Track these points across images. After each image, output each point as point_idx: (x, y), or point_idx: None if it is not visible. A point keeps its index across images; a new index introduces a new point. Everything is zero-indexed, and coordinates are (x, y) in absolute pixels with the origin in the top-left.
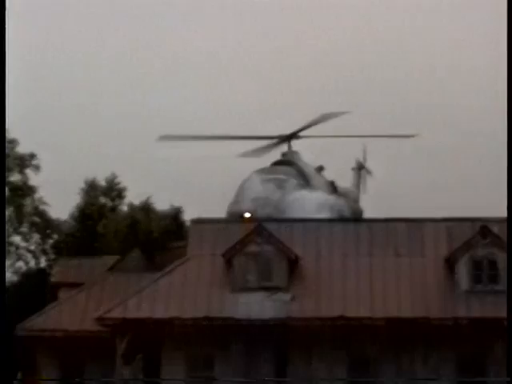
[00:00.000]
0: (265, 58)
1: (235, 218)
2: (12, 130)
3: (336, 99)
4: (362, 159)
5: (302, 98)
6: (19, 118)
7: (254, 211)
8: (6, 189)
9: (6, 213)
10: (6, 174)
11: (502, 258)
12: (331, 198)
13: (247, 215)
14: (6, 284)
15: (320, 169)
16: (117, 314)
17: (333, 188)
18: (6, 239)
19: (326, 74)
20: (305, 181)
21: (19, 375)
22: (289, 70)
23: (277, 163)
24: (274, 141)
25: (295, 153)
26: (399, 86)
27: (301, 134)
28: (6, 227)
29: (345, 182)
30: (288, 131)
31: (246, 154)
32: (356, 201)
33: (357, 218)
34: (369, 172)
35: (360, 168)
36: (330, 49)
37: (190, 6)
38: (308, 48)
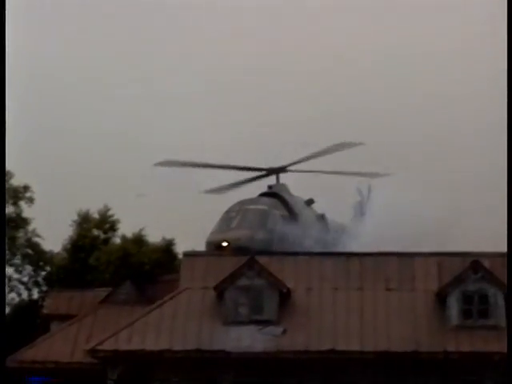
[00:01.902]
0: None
1: (212, 246)
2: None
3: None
4: (365, 196)
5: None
6: (14, 150)
7: (234, 239)
8: None
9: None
10: None
11: (492, 293)
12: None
13: (224, 244)
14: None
15: (310, 202)
16: (108, 346)
17: (323, 220)
18: None
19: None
20: (289, 212)
21: None
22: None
23: (263, 194)
24: (249, 177)
25: (282, 185)
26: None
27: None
28: None
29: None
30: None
31: (211, 191)
32: (356, 235)
33: (347, 252)
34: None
35: (362, 205)
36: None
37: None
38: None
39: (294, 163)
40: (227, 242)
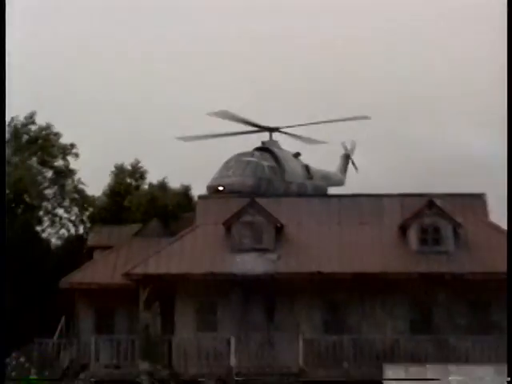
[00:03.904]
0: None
1: (212, 190)
2: (55, 123)
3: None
4: (349, 150)
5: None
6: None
7: (228, 184)
8: (51, 172)
9: (50, 191)
10: (51, 160)
11: (443, 226)
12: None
13: (220, 188)
14: (52, 247)
15: (297, 154)
16: (139, 270)
17: (306, 169)
18: (52, 212)
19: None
20: (277, 163)
21: (62, 320)
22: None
23: (256, 149)
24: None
25: (274, 142)
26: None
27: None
28: (52, 203)
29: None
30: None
31: (216, 136)
32: (340, 182)
33: (328, 194)
34: (354, 164)
35: (347, 157)
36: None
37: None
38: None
39: (288, 127)
40: (223, 186)
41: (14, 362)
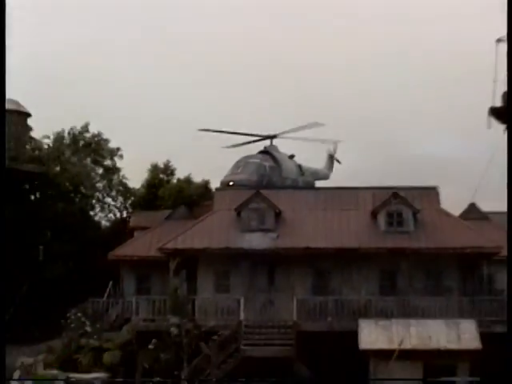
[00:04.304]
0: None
1: (224, 185)
2: (104, 131)
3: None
4: (333, 151)
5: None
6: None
7: (237, 180)
8: (102, 169)
9: (101, 184)
10: (102, 160)
11: (405, 212)
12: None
13: (231, 183)
14: (102, 228)
15: (292, 156)
16: (170, 245)
17: (299, 168)
18: (102, 200)
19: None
20: (275, 163)
21: (110, 284)
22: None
23: (259, 152)
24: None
25: (274, 146)
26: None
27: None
28: (102, 193)
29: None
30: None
31: (231, 146)
32: (325, 177)
33: (315, 187)
34: (338, 160)
35: (331, 157)
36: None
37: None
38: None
39: (283, 133)
40: (232, 182)
41: (72, 317)
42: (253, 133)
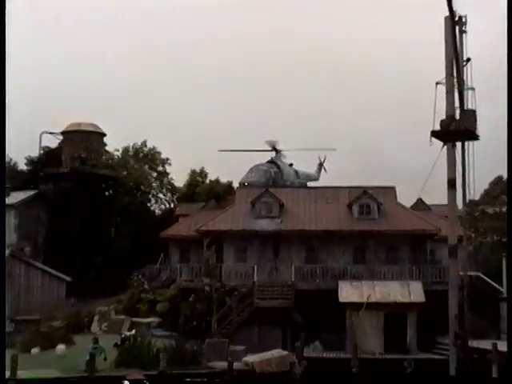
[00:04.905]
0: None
1: (241, 185)
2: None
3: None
4: (322, 160)
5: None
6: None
7: (250, 181)
8: (156, 173)
9: (155, 184)
10: (155, 166)
11: (372, 204)
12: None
13: (246, 184)
14: (156, 215)
15: (291, 164)
16: (204, 228)
17: (296, 172)
18: (156, 195)
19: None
20: (278, 169)
21: (162, 255)
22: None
23: (267, 161)
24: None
25: (278, 157)
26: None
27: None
28: (156, 191)
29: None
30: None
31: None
32: (316, 179)
33: (308, 186)
34: (324, 168)
35: (320, 165)
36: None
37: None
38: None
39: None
40: (247, 182)
41: (135, 278)
42: (263, 149)
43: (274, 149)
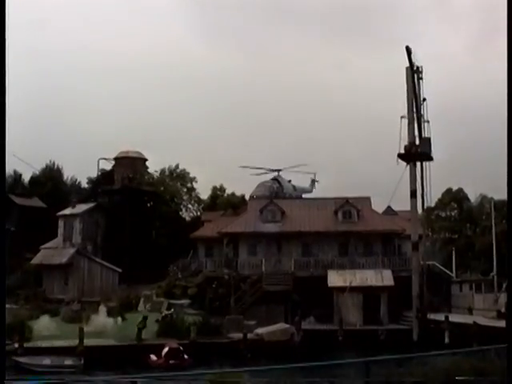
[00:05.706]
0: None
1: (251, 198)
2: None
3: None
4: (314, 178)
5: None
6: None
7: (258, 195)
8: (185, 188)
9: (185, 197)
10: (185, 183)
11: (353, 210)
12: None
13: (254, 197)
14: (187, 221)
15: (289, 181)
16: (224, 230)
17: (293, 187)
18: (186, 205)
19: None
20: (280, 185)
21: (191, 251)
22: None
23: (271, 179)
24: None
25: (280, 176)
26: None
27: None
28: (186, 202)
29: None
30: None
31: (255, 174)
32: (310, 191)
33: (303, 197)
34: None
35: (313, 181)
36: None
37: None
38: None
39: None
40: (256, 195)
41: (171, 269)
42: (272, 168)
43: (276, 170)
